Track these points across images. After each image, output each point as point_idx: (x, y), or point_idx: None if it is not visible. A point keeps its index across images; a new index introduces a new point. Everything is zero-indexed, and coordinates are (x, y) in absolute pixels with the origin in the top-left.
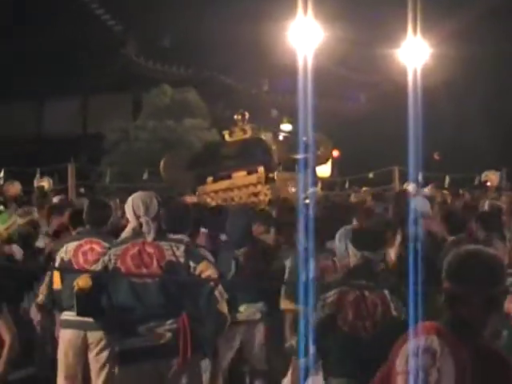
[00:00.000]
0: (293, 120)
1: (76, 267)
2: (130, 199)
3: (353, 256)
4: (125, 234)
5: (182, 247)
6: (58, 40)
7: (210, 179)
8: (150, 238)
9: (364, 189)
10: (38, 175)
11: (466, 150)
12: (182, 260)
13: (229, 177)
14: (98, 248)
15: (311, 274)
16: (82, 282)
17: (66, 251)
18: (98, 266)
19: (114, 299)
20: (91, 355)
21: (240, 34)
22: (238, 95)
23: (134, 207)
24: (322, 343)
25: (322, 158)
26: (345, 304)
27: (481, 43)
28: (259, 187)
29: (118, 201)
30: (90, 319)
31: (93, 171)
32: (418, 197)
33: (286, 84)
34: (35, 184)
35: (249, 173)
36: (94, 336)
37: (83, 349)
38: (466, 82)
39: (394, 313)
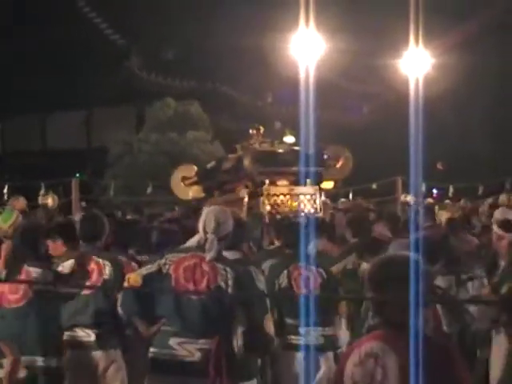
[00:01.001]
0: (296, 132)
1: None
2: (205, 211)
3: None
4: (189, 243)
5: (238, 278)
6: (62, 54)
7: (216, 193)
8: (209, 257)
9: None
10: (42, 191)
11: (469, 159)
12: (230, 290)
13: (233, 190)
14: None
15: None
16: (133, 279)
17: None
18: (153, 268)
19: (157, 305)
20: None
21: (242, 46)
22: (241, 107)
23: (205, 221)
24: None
25: (341, 172)
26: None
27: (482, 53)
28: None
29: (119, 213)
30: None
31: (97, 184)
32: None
33: (289, 96)
34: (40, 201)
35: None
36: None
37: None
38: (469, 91)
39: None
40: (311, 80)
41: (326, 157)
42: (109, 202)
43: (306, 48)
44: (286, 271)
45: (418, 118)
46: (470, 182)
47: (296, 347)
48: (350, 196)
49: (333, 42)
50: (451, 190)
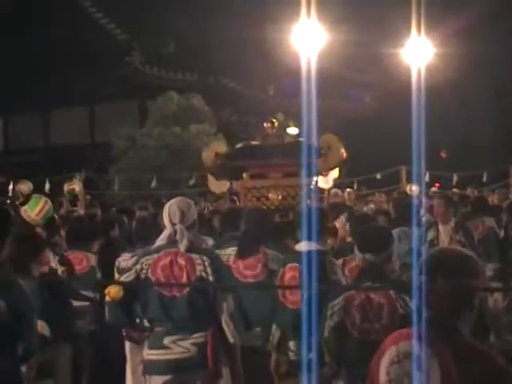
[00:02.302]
0: (299, 124)
1: None
2: (167, 205)
3: (358, 259)
4: (159, 241)
5: (214, 263)
6: (64, 50)
7: (246, 175)
8: (182, 247)
9: None
10: (47, 186)
11: (472, 147)
12: (211, 278)
13: (265, 176)
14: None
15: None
16: (113, 291)
17: None
18: (131, 276)
19: (143, 310)
20: None
21: (244, 38)
22: (244, 100)
23: (170, 213)
24: (336, 351)
25: (330, 161)
26: (351, 309)
27: (485, 42)
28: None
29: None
30: None
31: (101, 180)
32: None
33: (292, 87)
34: (65, 188)
35: (285, 175)
36: None
37: None
38: (472, 80)
39: (401, 311)
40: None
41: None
42: (113, 196)
43: (308, 39)
44: None
45: (420, 107)
46: (473, 171)
47: None
48: (355, 186)
49: (335, 32)
50: (455, 178)
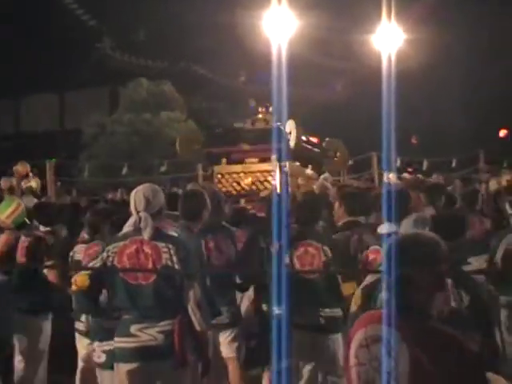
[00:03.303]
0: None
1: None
2: (133, 192)
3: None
4: (126, 229)
5: (180, 251)
6: (33, 36)
7: (224, 160)
8: (146, 235)
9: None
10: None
11: (443, 133)
12: (177, 267)
13: (243, 161)
14: None
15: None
16: (80, 280)
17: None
18: (97, 263)
19: (110, 298)
20: None
21: (214, 24)
22: (215, 86)
23: (135, 201)
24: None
25: (339, 163)
26: None
27: (456, 27)
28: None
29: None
30: None
31: (72, 167)
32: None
33: (263, 74)
34: (23, 185)
35: (261, 160)
36: None
37: None
38: (442, 66)
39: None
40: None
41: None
42: (84, 183)
43: (279, 25)
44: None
45: (390, 93)
46: (444, 156)
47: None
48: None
49: (306, 18)
50: (425, 164)
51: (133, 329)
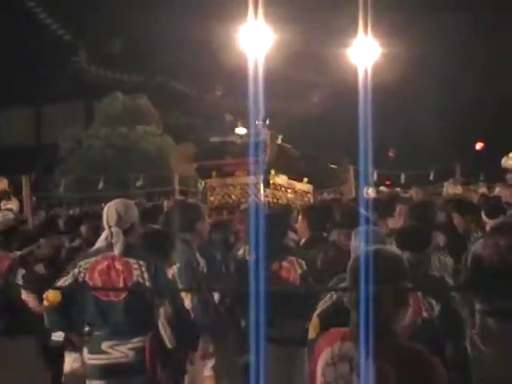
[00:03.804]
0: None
1: None
2: (106, 206)
3: None
4: (98, 244)
5: (152, 268)
6: (8, 50)
7: (214, 173)
8: (117, 251)
9: None
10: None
11: (420, 146)
12: (148, 284)
13: (232, 174)
14: None
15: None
16: (51, 296)
17: None
18: (69, 279)
19: (82, 314)
20: None
21: (191, 38)
22: (191, 100)
23: (108, 216)
24: None
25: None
26: None
27: (431, 40)
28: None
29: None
30: None
31: (48, 181)
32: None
33: (239, 88)
34: (2, 207)
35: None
36: None
37: None
38: (418, 79)
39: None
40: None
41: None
42: (59, 198)
43: (255, 39)
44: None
45: (366, 107)
46: (421, 169)
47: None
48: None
49: (282, 32)
50: (403, 176)
51: (104, 346)
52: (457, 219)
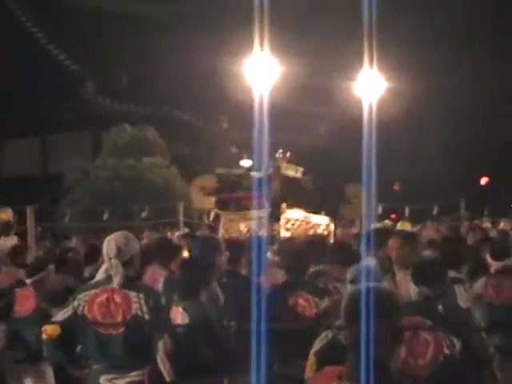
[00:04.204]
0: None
1: None
2: (106, 239)
3: (411, 291)
4: (98, 276)
5: (151, 301)
6: (17, 81)
7: (231, 206)
8: (116, 282)
9: None
10: None
11: (425, 180)
12: (147, 317)
13: (248, 207)
14: None
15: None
16: (50, 329)
17: None
18: (69, 312)
19: (81, 347)
20: None
21: (197, 70)
22: (197, 132)
23: (107, 248)
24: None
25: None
26: None
27: (435, 76)
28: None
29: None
30: None
31: (54, 212)
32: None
33: (245, 120)
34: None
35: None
36: None
37: None
38: (424, 113)
39: (447, 351)
40: (266, 103)
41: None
42: (65, 229)
43: (262, 71)
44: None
45: (371, 140)
46: (425, 203)
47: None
48: None
49: (288, 65)
50: (407, 210)
51: (102, 379)
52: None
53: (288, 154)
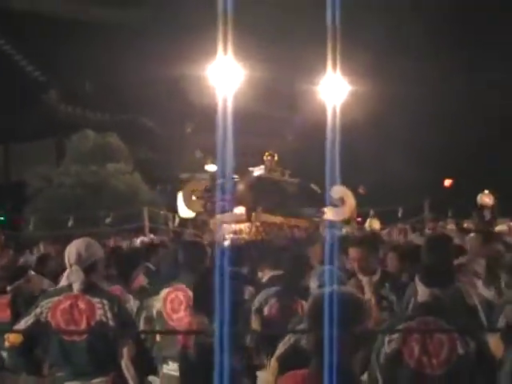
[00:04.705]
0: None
1: None
2: (68, 246)
3: (421, 292)
4: (61, 283)
5: (115, 307)
6: None
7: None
8: (76, 288)
9: None
10: None
11: (389, 183)
12: (111, 323)
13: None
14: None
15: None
16: (13, 336)
17: None
18: (31, 319)
19: (44, 354)
20: None
21: (160, 76)
22: (161, 137)
23: (69, 254)
24: (388, 379)
25: (346, 213)
26: (411, 340)
27: (401, 82)
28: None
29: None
30: None
31: (17, 220)
32: None
33: (210, 125)
34: None
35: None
36: None
37: None
38: (387, 116)
39: (461, 351)
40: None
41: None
42: (29, 237)
43: (225, 76)
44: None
45: (335, 144)
46: (390, 206)
47: None
48: None
49: (252, 69)
50: (371, 213)
51: None
52: None
53: (275, 158)
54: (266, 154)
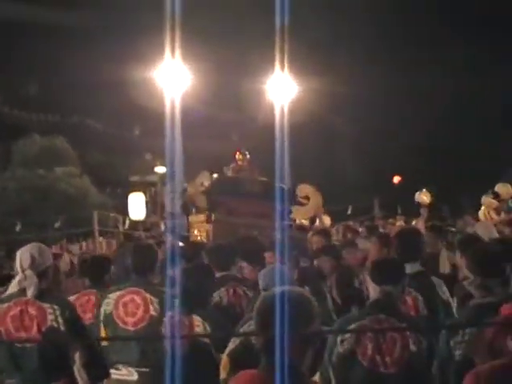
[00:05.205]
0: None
1: None
2: (19, 251)
3: (372, 290)
4: (10, 289)
5: (66, 312)
6: None
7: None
8: (29, 294)
9: None
10: None
11: (339, 182)
12: (62, 328)
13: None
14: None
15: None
16: None
17: None
18: None
19: None
20: None
21: (108, 78)
22: (110, 140)
23: (21, 259)
24: (342, 378)
25: (311, 211)
26: (364, 339)
27: (349, 76)
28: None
29: None
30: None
31: None
32: None
33: (159, 127)
34: None
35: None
36: None
37: None
38: (335, 115)
39: (413, 347)
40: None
41: (297, 195)
42: None
43: (172, 79)
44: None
45: (283, 144)
46: (339, 204)
47: None
48: None
49: (199, 71)
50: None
51: None
52: None
53: (247, 156)
54: (238, 153)
